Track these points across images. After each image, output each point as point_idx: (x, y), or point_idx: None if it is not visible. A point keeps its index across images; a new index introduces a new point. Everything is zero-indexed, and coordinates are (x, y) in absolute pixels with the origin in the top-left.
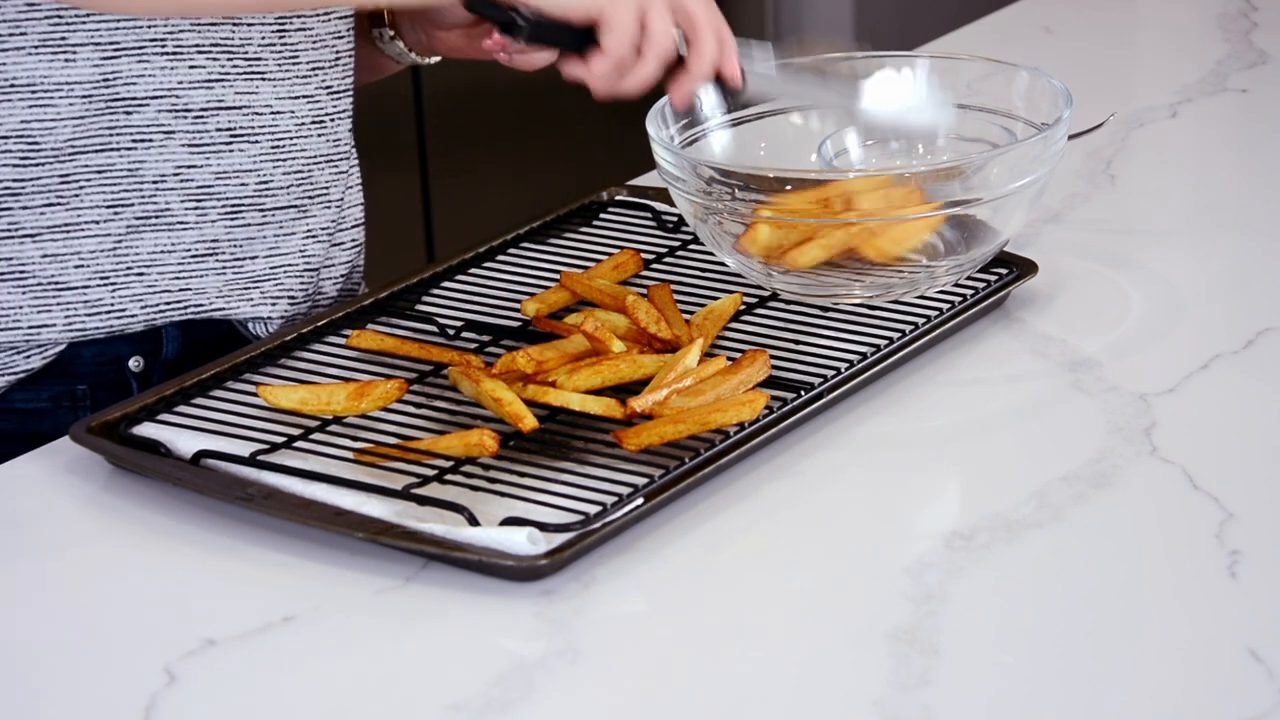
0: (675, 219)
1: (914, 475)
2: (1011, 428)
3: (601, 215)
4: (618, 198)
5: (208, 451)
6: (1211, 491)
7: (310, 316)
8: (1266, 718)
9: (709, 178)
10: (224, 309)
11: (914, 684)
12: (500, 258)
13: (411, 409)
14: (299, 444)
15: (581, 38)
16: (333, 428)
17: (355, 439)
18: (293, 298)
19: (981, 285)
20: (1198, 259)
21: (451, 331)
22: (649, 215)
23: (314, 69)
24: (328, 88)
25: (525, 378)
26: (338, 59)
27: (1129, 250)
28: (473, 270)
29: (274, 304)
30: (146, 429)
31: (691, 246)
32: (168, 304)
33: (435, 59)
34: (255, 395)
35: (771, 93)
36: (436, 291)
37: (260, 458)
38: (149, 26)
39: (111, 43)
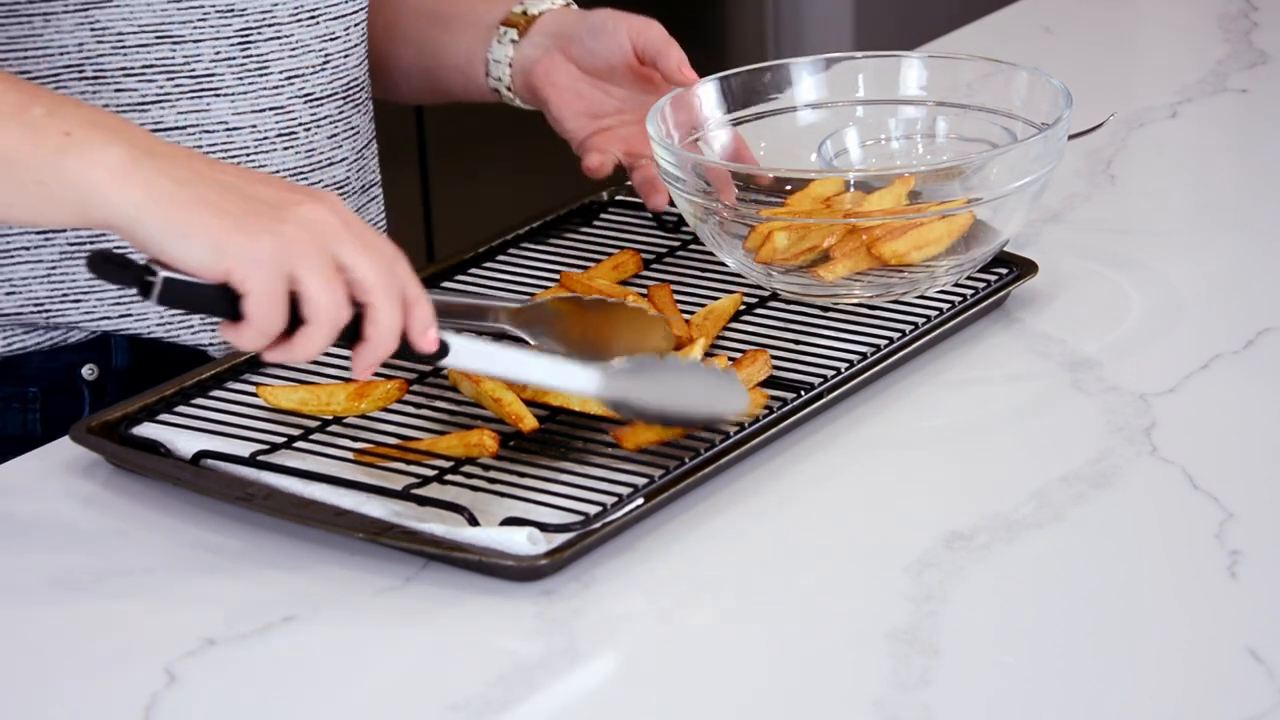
0: (675, 219)
1: (914, 475)
2: (1011, 428)
3: (601, 215)
4: (618, 198)
5: (208, 452)
6: (1211, 491)
7: None
8: (1266, 718)
9: (709, 177)
10: (164, 338)
11: (914, 684)
12: (500, 258)
13: (411, 409)
14: (299, 444)
15: (230, 302)
16: (333, 428)
17: (355, 439)
18: None
19: (981, 285)
20: (1198, 259)
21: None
22: (649, 215)
23: (289, 77)
24: (306, 95)
25: None
26: (325, 63)
27: (1129, 250)
28: (473, 270)
29: (214, 331)
30: (146, 429)
31: (691, 246)
32: (106, 330)
33: (534, 108)
34: (255, 395)
35: (481, 366)
36: (436, 291)
37: (260, 458)
38: (60, 54)
39: (22, 73)
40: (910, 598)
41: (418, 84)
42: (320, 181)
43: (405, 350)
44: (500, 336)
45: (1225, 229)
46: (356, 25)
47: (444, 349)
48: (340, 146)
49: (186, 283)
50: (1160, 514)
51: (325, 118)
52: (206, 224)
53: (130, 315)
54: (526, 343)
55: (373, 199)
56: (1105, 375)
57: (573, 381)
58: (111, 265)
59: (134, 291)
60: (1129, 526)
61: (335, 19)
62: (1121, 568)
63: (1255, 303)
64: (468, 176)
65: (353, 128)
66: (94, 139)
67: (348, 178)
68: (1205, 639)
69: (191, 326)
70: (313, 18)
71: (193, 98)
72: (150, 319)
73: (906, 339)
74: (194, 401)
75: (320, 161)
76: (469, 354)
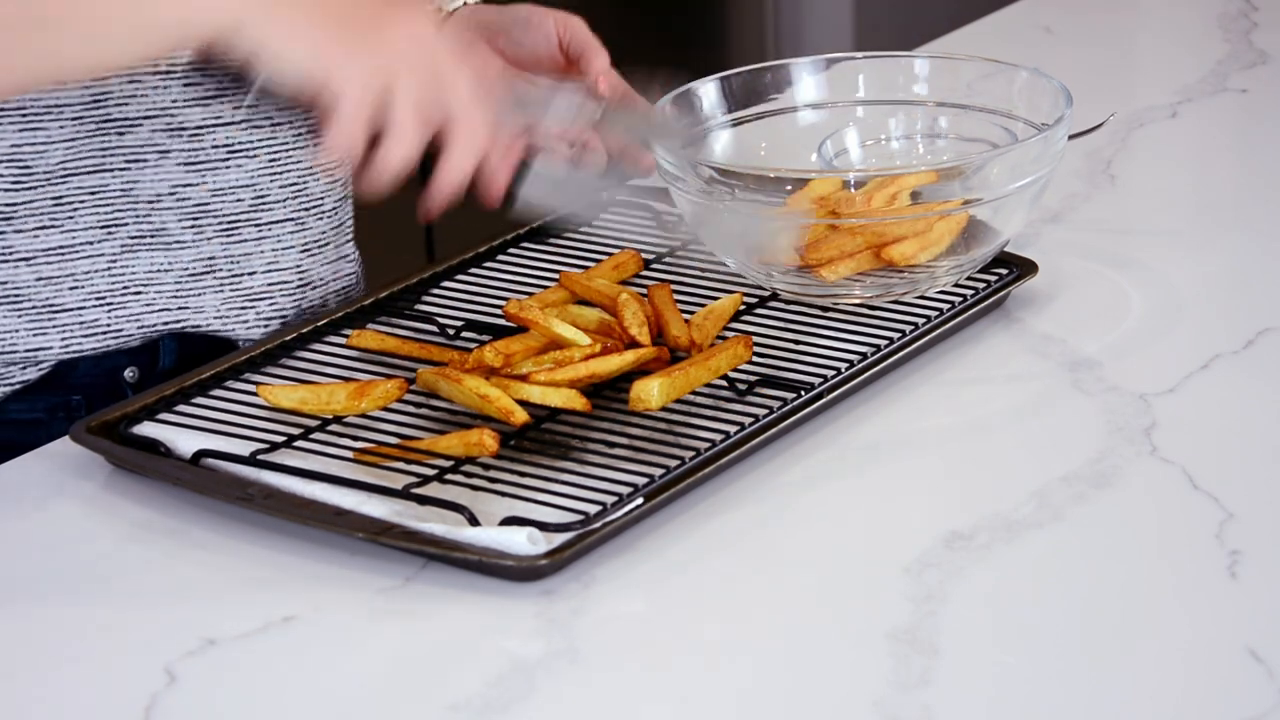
0: (675, 219)
1: (914, 475)
2: (1011, 428)
3: (601, 215)
4: (618, 198)
5: (208, 451)
6: (1211, 491)
7: (310, 317)
8: (1266, 718)
9: (709, 178)
10: (219, 329)
11: (914, 684)
12: (500, 258)
13: (411, 409)
14: (299, 443)
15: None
16: (333, 427)
17: (355, 438)
18: (285, 319)
19: (981, 285)
20: (1198, 259)
21: (451, 331)
22: (649, 215)
23: None
24: None
25: (492, 371)
26: None
27: (1129, 250)
28: (473, 270)
29: (267, 324)
30: (146, 428)
31: (691, 246)
32: (164, 322)
33: None
34: (255, 395)
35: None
36: (436, 291)
37: (260, 457)
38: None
39: None
40: (910, 598)
41: None
42: (339, 181)
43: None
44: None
45: (1225, 229)
46: None
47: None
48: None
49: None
50: (1160, 514)
51: None
52: (308, 34)
53: (188, 308)
54: None
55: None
56: (1105, 375)
57: None
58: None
59: (190, 285)
60: (1129, 527)
61: None
62: (1121, 568)
63: (1255, 303)
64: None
65: None
66: None
67: (347, 177)
68: (1205, 639)
69: (246, 321)
70: None
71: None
72: (207, 311)
73: (906, 339)
74: (194, 400)
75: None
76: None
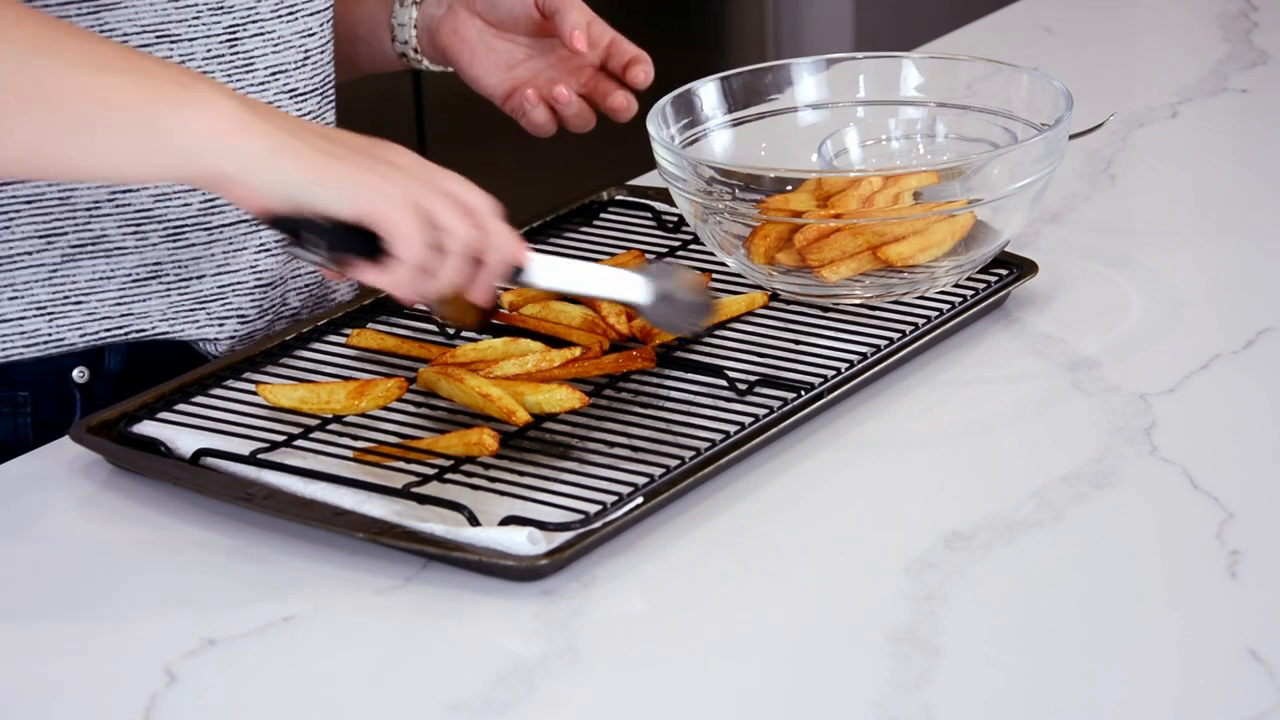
0: (675, 219)
1: (914, 475)
2: (1011, 428)
3: (601, 215)
4: (618, 198)
5: (208, 450)
6: (1211, 491)
7: (310, 316)
8: (1266, 718)
9: (709, 178)
10: (168, 332)
11: (914, 684)
12: None
13: (411, 408)
14: (299, 443)
15: (374, 242)
16: (333, 426)
17: (355, 438)
18: (243, 316)
19: (982, 285)
20: (1198, 259)
21: (451, 331)
22: (649, 215)
23: (274, 73)
24: (290, 91)
25: (465, 366)
26: (306, 59)
27: (1129, 250)
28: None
29: (221, 324)
30: (146, 427)
31: (692, 246)
32: (108, 330)
33: (443, 69)
34: (255, 394)
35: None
36: None
37: (260, 456)
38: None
39: None
40: (910, 598)
41: (337, 59)
42: None
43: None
44: None
45: (1225, 229)
46: (330, 21)
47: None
48: None
49: (344, 230)
50: (1160, 514)
51: (309, 113)
52: (333, 169)
53: (131, 314)
54: None
55: None
56: (1105, 375)
57: (627, 288)
58: (282, 219)
59: (134, 291)
60: (1129, 526)
61: (312, 14)
62: (1121, 568)
63: (1255, 303)
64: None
65: (328, 124)
66: (207, 89)
67: None
68: (1205, 639)
69: (197, 322)
70: (291, 14)
71: None
72: (153, 316)
73: (906, 339)
74: (194, 400)
75: None
76: (546, 268)
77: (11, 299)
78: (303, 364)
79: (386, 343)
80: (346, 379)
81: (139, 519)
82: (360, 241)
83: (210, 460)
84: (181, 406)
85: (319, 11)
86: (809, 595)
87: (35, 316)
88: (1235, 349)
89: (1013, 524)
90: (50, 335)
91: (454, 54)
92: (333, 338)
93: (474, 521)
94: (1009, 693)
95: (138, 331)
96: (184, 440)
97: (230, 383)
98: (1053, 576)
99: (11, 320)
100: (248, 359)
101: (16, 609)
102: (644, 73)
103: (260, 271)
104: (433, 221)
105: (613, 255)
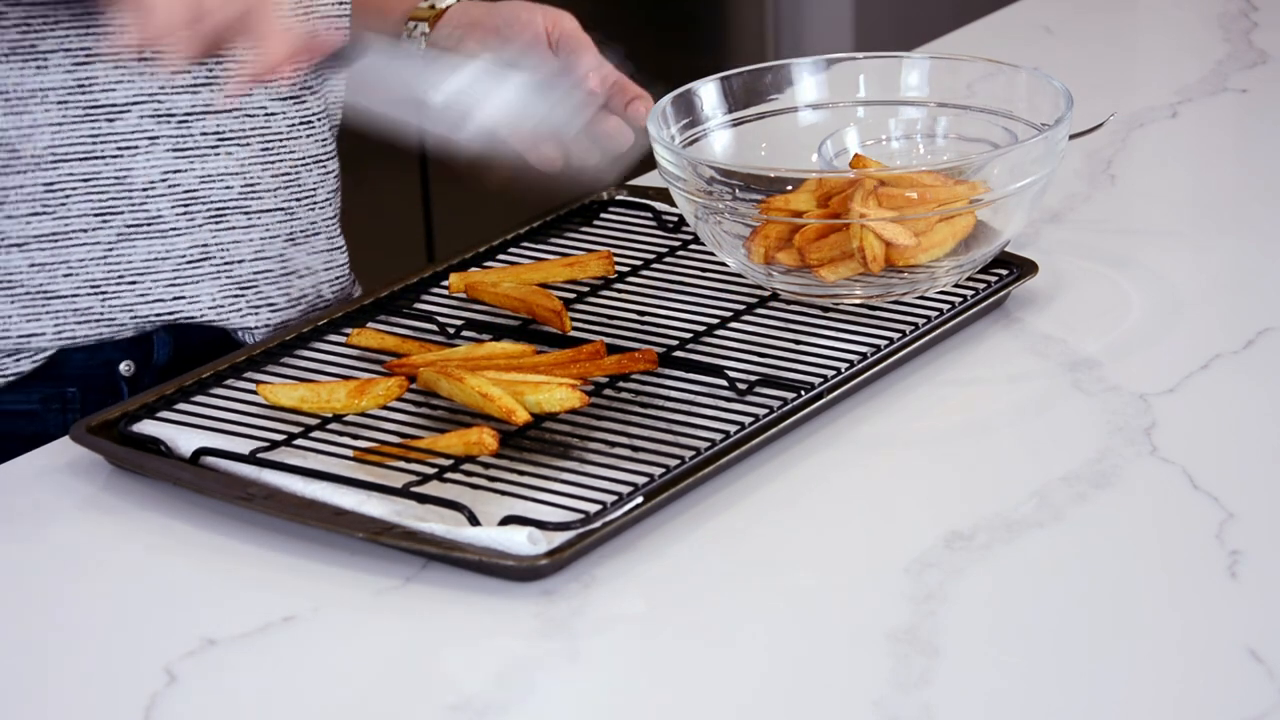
0: (675, 219)
1: (914, 475)
2: (1011, 428)
3: (601, 215)
4: (618, 198)
5: (208, 449)
6: (1211, 491)
7: (310, 316)
8: (1266, 718)
9: (709, 177)
10: (214, 320)
11: (914, 684)
12: (500, 257)
13: (411, 407)
14: (299, 442)
15: None
16: (333, 426)
17: (355, 437)
18: (274, 305)
19: (982, 285)
20: (1198, 259)
21: (451, 331)
22: (649, 215)
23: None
24: (309, 89)
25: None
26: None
27: (1129, 250)
28: (472, 270)
29: (256, 313)
30: (146, 426)
31: (692, 246)
32: (158, 314)
33: None
34: (255, 393)
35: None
36: (436, 291)
37: (260, 455)
38: (122, 33)
39: (83, 49)
40: (910, 598)
41: None
42: (331, 174)
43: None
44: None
45: (1225, 229)
46: (337, 30)
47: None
48: (334, 140)
49: None
50: (1160, 514)
51: (323, 112)
52: None
53: (183, 298)
54: None
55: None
56: (1105, 375)
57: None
58: None
59: (186, 273)
60: (1129, 526)
61: (323, 19)
62: (1121, 568)
63: (1255, 303)
64: (468, 177)
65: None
66: None
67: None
68: (1205, 639)
69: (239, 309)
70: (306, 14)
71: None
72: (202, 301)
73: (906, 339)
74: (194, 399)
75: (330, 152)
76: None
77: (66, 275)
78: (303, 363)
79: (386, 342)
80: (346, 378)
81: (139, 519)
82: None
83: (210, 460)
84: (181, 406)
85: (328, 16)
86: (809, 595)
87: (89, 295)
88: (1235, 349)
89: (1013, 524)
90: (103, 315)
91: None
92: (333, 337)
93: (474, 521)
94: (1009, 693)
95: (186, 318)
96: (184, 440)
97: (230, 382)
98: (1053, 576)
99: (65, 297)
100: (248, 358)
101: (16, 609)
102: (645, 108)
103: (287, 260)
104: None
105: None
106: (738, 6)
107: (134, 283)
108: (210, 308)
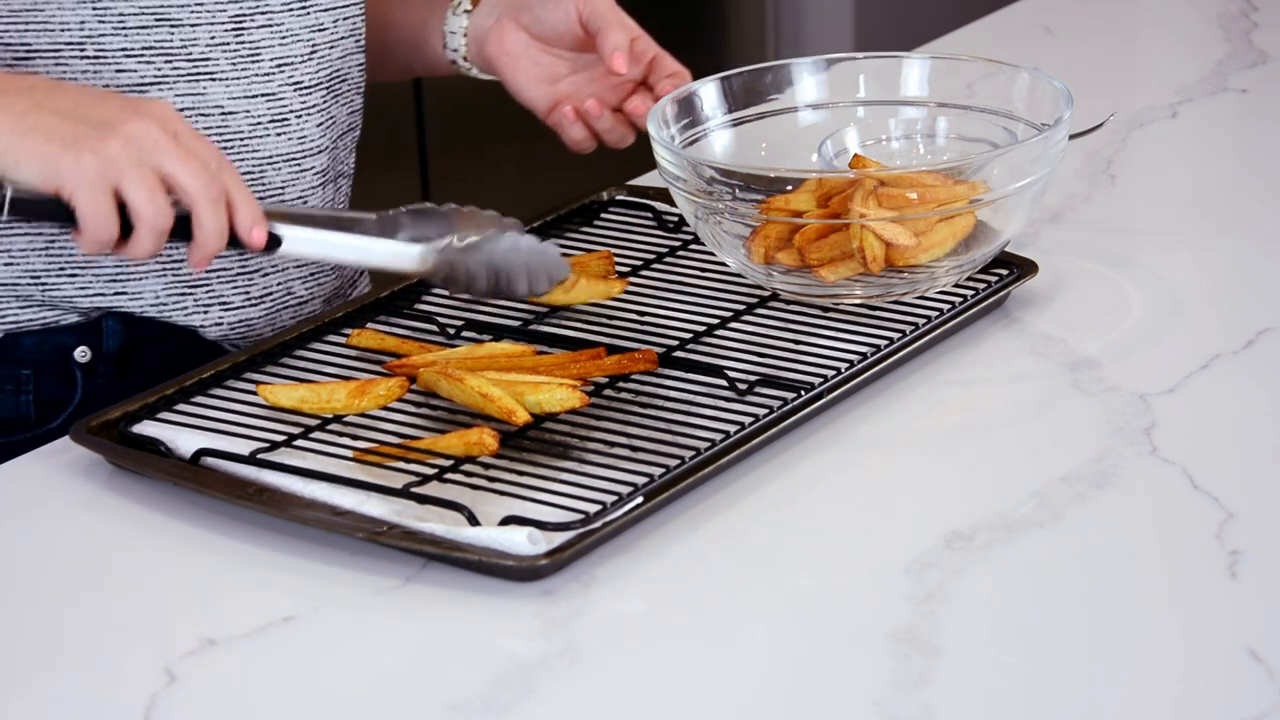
0: (675, 219)
1: (914, 475)
2: (1011, 428)
3: (601, 215)
4: (618, 198)
5: (208, 450)
6: (1211, 491)
7: (310, 316)
8: (1266, 718)
9: (710, 178)
10: (157, 315)
11: (914, 684)
12: None
13: (411, 408)
14: (299, 442)
15: (70, 214)
16: (333, 426)
17: (355, 437)
18: (227, 303)
19: (982, 285)
20: (1198, 259)
21: (451, 331)
22: (649, 215)
23: (280, 65)
24: (296, 84)
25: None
26: (313, 53)
27: (1129, 250)
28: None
29: (206, 311)
30: (147, 427)
31: (692, 246)
32: (99, 307)
33: (491, 78)
34: (255, 394)
35: (316, 251)
36: (436, 291)
37: (260, 456)
38: (62, 30)
39: (23, 44)
40: (910, 598)
41: (370, 59)
42: (307, 170)
43: (241, 243)
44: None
45: (1225, 229)
46: (346, 19)
47: (276, 240)
48: (325, 134)
49: (29, 199)
50: (1160, 514)
51: (314, 106)
52: (38, 150)
53: (125, 294)
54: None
55: (340, 189)
56: (1105, 375)
57: (399, 259)
58: None
59: (130, 269)
60: (1129, 526)
61: (324, 10)
62: (1121, 568)
63: (1255, 303)
64: (468, 176)
65: (331, 117)
66: None
67: (328, 166)
68: (1205, 639)
69: (185, 308)
70: (304, 8)
71: (189, 81)
72: (145, 297)
73: (906, 339)
74: (194, 400)
75: (310, 149)
76: (302, 241)
77: (7, 265)
78: (303, 364)
79: (386, 343)
80: (346, 379)
81: (139, 519)
82: (52, 209)
83: (210, 460)
84: (181, 406)
85: (334, 8)
86: (809, 595)
87: (29, 284)
88: (1235, 349)
89: (1013, 524)
90: (43, 301)
91: (499, 66)
92: (333, 338)
93: (474, 521)
94: (1009, 693)
95: (129, 311)
96: (184, 440)
97: (230, 383)
98: (1053, 576)
99: (7, 285)
100: (248, 359)
101: (16, 609)
102: (675, 85)
103: (245, 259)
104: (126, 201)
105: (613, 256)
106: (738, 6)
107: (74, 275)
108: (153, 304)
